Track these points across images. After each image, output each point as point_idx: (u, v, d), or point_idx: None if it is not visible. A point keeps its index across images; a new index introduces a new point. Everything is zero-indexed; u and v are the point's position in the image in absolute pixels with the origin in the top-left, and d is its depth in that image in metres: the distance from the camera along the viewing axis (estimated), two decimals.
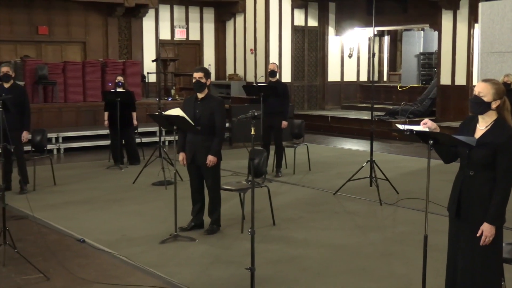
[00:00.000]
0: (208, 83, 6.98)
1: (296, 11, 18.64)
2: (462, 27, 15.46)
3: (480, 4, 13.23)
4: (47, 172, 9.91)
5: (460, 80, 15.63)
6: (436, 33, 17.06)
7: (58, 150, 13.30)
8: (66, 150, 13.39)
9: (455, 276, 4.35)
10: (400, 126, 4.27)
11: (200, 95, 6.94)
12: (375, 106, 9.64)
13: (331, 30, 19.40)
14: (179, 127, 6.80)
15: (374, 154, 9.28)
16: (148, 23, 18.02)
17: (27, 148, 9.79)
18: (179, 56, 18.73)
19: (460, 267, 4.30)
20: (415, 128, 4.21)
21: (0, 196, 6.19)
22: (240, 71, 19.28)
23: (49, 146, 12.22)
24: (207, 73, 7.00)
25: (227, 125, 12.99)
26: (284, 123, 10.23)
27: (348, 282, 5.57)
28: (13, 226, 6.90)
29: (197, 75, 6.91)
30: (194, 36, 19.33)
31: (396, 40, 21.86)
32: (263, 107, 9.74)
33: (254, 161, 5.54)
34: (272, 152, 10.38)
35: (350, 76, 19.97)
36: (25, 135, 8.93)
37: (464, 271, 4.27)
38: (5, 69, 8.84)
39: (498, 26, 12.48)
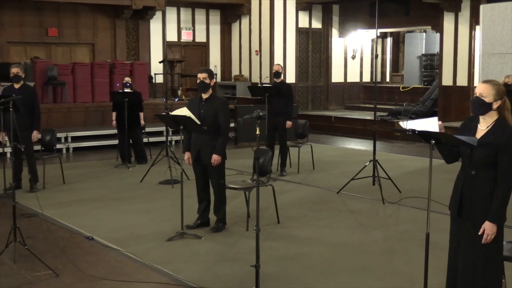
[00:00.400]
0: (212, 83, 6.97)
1: (300, 13, 18.62)
2: (464, 29, 15.42)
3: (481, 6, 13.21)
4: (57, 171, 9.93)
5: (462, 81, 15.59)
6: (438, 34, 17.03)
7: (67, 149, 13.32)
8: (75, 149, 13.42)
9: (456, 274, 4.35)
10: (402, 124, 4.25)
11: (204, 96, 6.94)
12: (378, 106, 9.62)
13: (334, 32, 19.37)
14: (185, 126, 6.80)
15: (376, 153, 9.26)
16: (155, 25, 18.04)
17: (37, 147, 9.82)
18: (185, 57, 18.75)
19: (461, 265, 4.30)
20: (418, 128, 4.20)
21: (11, 194, 6.21)
22: (245, 72, 19.28)
23: (58, 146, 12.24)
24: (211, 74, 7.00)
25: (232, 125, 12.99)
26: (289, 123, 10.22)
27: (351, 279, 5.56)
28: (23, 224, 6.92)
29: (201, 75, 6.91)
30: (200, 37, 19.34)
31: (398, 42, 21.84)
32: (268, 108, 9.74)
33: (259, 160, 5.55)
34: (276, 151, 10.38)
35: (353, 77, 19.94)
36: (35, 135, 8.95)
37: (466, 269, 4.26)
38: (15, 70, 8.86)
39: (499, 28, 12.45)
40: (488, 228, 4.04)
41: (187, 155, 7.03)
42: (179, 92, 17.18)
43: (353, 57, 19.84)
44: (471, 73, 15.33)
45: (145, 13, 17.37)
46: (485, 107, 4.13)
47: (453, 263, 4.38)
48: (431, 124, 4.21)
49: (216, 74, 18.60)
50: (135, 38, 17.89)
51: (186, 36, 18.97)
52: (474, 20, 14.96)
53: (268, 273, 5.55)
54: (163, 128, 13.34)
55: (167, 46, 17.51)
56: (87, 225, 7.30)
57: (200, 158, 6.94)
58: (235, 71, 19.69)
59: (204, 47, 19.50)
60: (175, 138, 13.99)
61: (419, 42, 19.28)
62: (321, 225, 7.42)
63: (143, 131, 12.08)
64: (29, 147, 8.83)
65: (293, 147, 10.96)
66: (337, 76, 19.57)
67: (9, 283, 5.45)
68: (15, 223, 5.95)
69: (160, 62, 16.90)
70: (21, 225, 6.17)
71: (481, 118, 4.20)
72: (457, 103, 15.51)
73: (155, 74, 17.74)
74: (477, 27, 14.34)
